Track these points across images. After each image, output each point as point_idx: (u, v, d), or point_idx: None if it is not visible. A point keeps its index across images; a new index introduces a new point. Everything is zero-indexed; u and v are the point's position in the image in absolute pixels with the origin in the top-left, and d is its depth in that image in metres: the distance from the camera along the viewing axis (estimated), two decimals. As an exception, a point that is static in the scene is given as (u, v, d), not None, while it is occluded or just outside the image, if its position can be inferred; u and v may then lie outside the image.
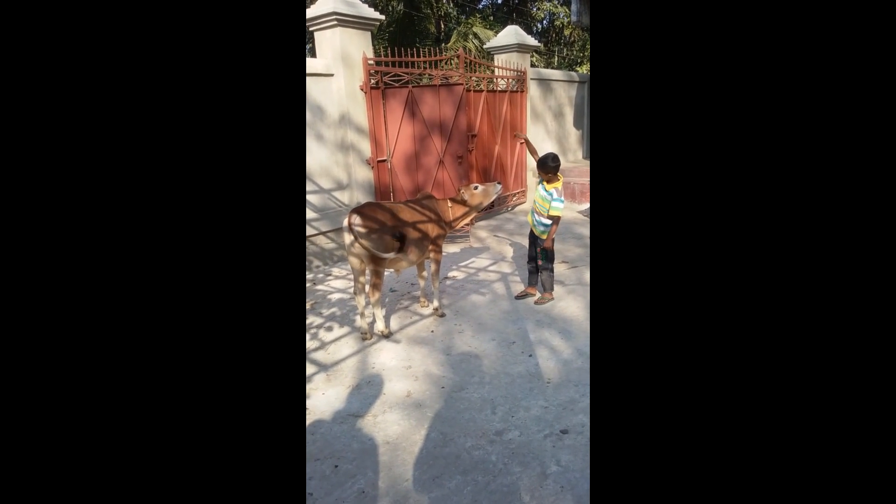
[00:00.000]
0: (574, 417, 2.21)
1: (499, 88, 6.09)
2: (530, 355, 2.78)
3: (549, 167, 3.28)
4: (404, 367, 2.72)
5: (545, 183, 3.36)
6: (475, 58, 6.21)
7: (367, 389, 2.51)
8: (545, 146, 7.61)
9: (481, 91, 5.68)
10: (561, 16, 14.34)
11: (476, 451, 2.02)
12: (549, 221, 3.34)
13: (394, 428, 2.19)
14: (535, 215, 3.45)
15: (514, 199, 6.76)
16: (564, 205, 3.37)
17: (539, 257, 3.48)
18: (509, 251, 4.84)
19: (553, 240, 3.38)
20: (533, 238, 3.53)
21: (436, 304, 3.36)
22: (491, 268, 4.35)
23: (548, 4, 14.64)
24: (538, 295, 3.56)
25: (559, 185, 3.30)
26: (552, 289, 3.55)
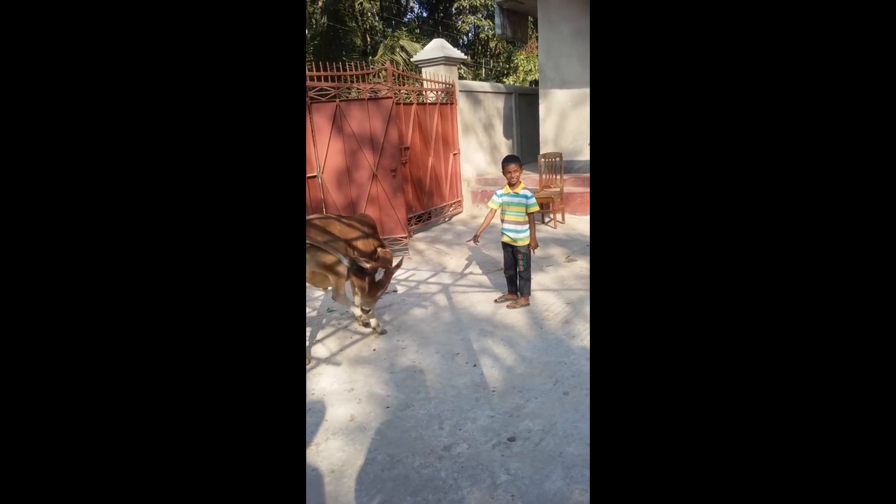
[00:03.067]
0: (520, 424, 2.23)
1: (428, 101, 6.15)
2: (475, 365, 2.79)
3: (512, 167, 3.38)
4: (346, 389, 2.64)
5: (509, 188, 3.43)
6: (403, 71, 6.24)
7: (308, 417, 2.41)
8: (477, 157, 7.77)
9: (411, 104, 5.71)
10: (486, 28, 14.80)
11: (425, 469, 1.98)
12: (525, 226, 3.40)
13: (338, 455, 2.11)
14: (508, 225, 3.48)
15: (451, 209, 6.83)
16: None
17: (521, 263, 3.51)
18: (449, 262, 4.86)
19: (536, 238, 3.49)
20: (507, 248, 3.55)
21: (374, 322, 3.29)
22: (431, 280, 4.34)
23: (472, 18, 15.06)
24: (515, 299, 3.62)
25: (523, 184, 3.44)
26: (529, 293, 3.60)
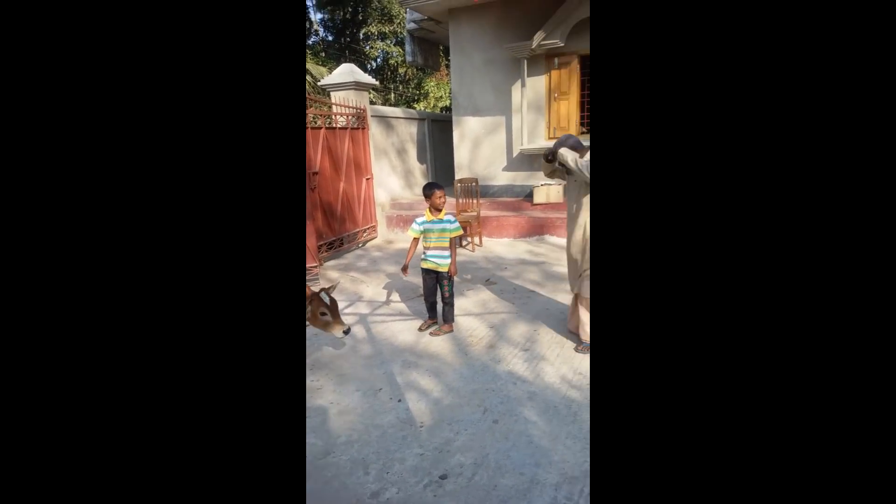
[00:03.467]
0: (451, 459, 2.13)
1: (338, 125, 5.99)
2: (399, 400, 2.64)
3: (439, 193, 3.36)
4: (258, 440, 2.36)
5: (431, 214, 3.38)
6: (310, 94, 6.04)
7: (212, 479, 2.10)
8: (391, 182, 7.70)
9: (319, 128, 5.52)
10: (395, 55, 14.98)
11: (351, 525, 1.80)
12: (449, 252, 3.35)
13: (249, 521, 1.84)
14: (432, 251, 3.40)
15: (365, 234, 6.65)
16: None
17: (445, 290, 3.43)
18: (366, 290, 4.68)
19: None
20: (431, 274, 3.46)
21: None
22: (348, 310, 4.13)
23: (381, 44, 15.19)
24: (437, 325, 3.54)
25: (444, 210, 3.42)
26: (453, 319, 3.54)
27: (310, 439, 2.34)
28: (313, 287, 4.68)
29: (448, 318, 3.52)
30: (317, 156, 5.36)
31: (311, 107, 5.59)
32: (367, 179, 6.66)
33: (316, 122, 5.55)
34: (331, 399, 2.70)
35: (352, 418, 2.50)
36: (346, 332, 2.77)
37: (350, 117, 6.23)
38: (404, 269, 3.52)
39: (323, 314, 2.73)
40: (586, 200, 2.96)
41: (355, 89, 6.55)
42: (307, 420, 2.51)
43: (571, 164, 2.90)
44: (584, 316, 3.09)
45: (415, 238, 3.49)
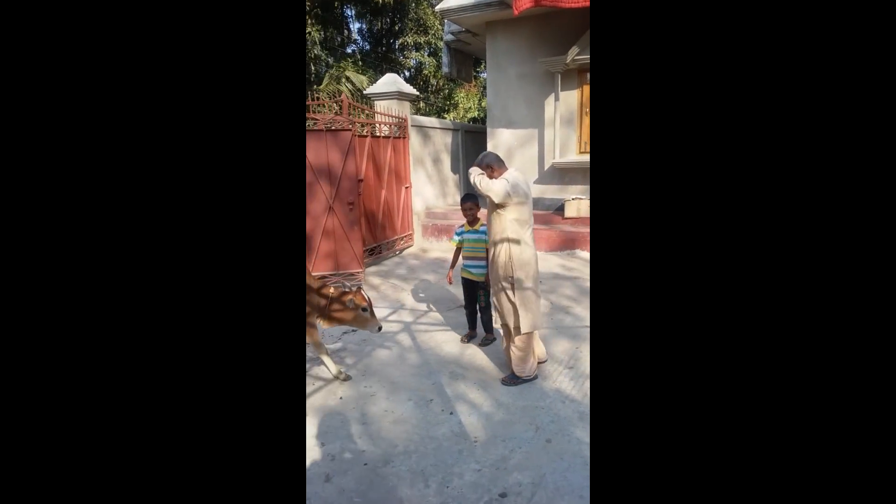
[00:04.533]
0: (509, 477, 2.15)
1: (382, 134, 6.11)
2: (451, 413, 2.68)
3: (468, 205, 3.44)
4: (317, 444, 2.42)
5: (468, 226, 3.47)
6: (356, 102, 6.18)
7: (277, 480, 2.16)
8: (426, 190, 7.79)
9: (365, 137, 5.64)
10: (427, 65, 15.17)
11: (417, 536, 1.83)
12: (484, 262, 3.40)
13: (317, 525, 1.90)
14: (469, 261, 3.48)
15: (402, 242, 6.74)
16: None
17: (482, 300, 3.49)
18: (407, 298, 4.74)
19: None
20: (468, 284, 3.53)
21: (333, 369, 3.05)
22: (391, 318, 4.20)
23: (416, 54, 15.40)
24: (478, 337, 3.63)
25: (482, 221, 3.47)
26: (493, 329, 3.61)
27: (369, 446, 2.39)
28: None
29: (487, 327, 3.59)
30: (362, 163, 5.47)
31: (352, 114, 5.72)
32: (406, 188, 6.76)
33: (362, 131, 5.67)
34: (385, 407, 2.75)
35: (407, 428, 2.54)
36: (379, 328, 2.98)
37: (392, 126, 6.35)
38: (449, 278, 3.64)
39: (364, 310, 2.87)
40: (498, 221, 2.82)
41: (398, 99, 6.67)
42: (365, 426, 2.57)
43: (474, 181, 2.80)
44: (514, 348, 2.93)
45: (456, 247, 3.61)
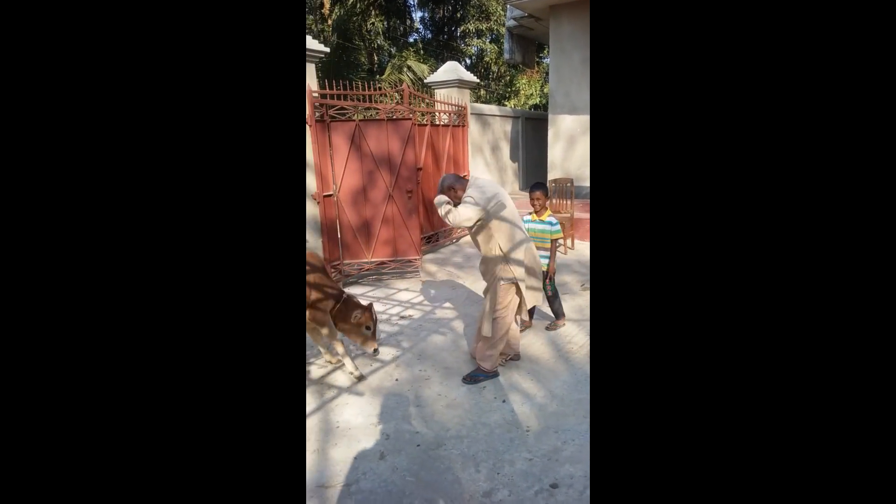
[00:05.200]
0: (561, 469, 2.13)
1: (441, 123, 6.13)
2: (504, 401, 2.68)
3: (537, 194, 3.42)
4: (372, 423, 2.51)
5: (534, 216, 3.47)
6: (416, 91, 6.24)
7: (335, 453, 2.28)
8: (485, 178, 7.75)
9: (425, 125, 5.69)
10: (489, 52, 14.98)
11: (466, 518, 1.86)
12: (548, 252, 3.41)
13: (372, 498, 1.98)
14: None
15: (459, 231, 6.76)
16: None
17: (548, 288, 3.50)
18: (463, 286, 4.77)
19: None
20: None
21: (349, 367, 3.01)
22: (446, 304, 4.24)
23: (477, 41, 15.26)
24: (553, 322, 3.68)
25: (549, 211, 3.46)
26: (563, 314, 3.65)
27: (422, 428, 2.45)
28: (414, 279, 4.86)
29: (558, 312, 3.62)
30: (421, 152, 5.53)
31: (412, 104, 5.77)
32: (464, 176, 6.76)
33: (422, 120, 5.72)
34: (438, 391, 2.80)
35: (460, 413, 2.58)
36: (375, 352, 2.91)
37: (451, 115, 6.35)
38: None
39: (367, 328, 2.82)
40: (485, 242, 2.75)
41: (458, 87, 6.66)
42: (419, 408, 2.63)
43: (442, 213, 2.68)
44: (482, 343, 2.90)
45: None
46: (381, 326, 3.83)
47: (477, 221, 2.68)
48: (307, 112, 4.45)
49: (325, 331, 2.93)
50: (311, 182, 4.61)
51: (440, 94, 6.36)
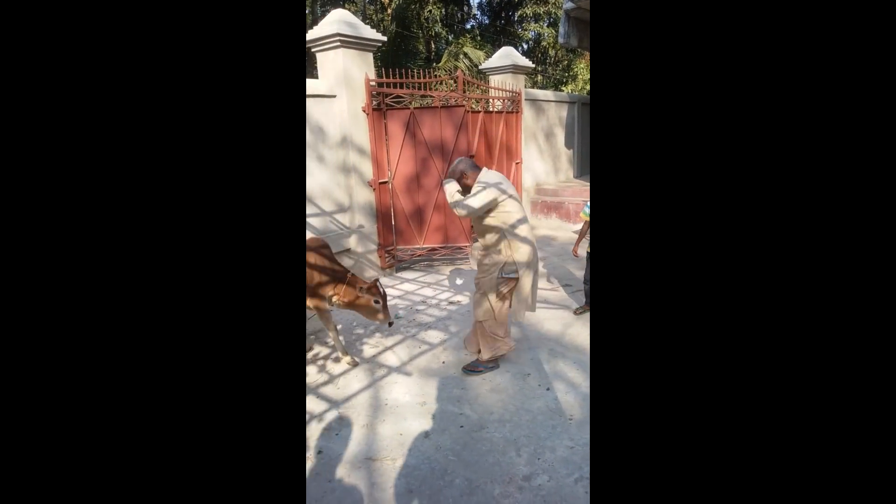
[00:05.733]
0: (603, 459, 2.13)
1: (495, 109, 6.09)
2: (548, 389, 2.70)
3: None
4: (419, 403, 2.61)
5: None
6: (471, 78, 6.22)
7: (383, 429, 2.40)
8: (537, 166, 7.64)
9: (478, 112, 5.68)
10: (546, 36, 14.59)
11: (505, 499, 1.92)
12: None
13: (415, 474, 2.08)
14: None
15: (510, 219, 6.73)
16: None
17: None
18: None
19: None
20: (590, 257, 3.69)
21: (341, 355, 3.10)
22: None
23: (534, 25, 14.89)
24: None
25: None
26: None
27: (466, 410, 2.52)
28: (462, 266, 4.92)
29: None
30: (474, 139, 5.54)
31: (467, 90, 5.76)
32: (517, 164, 6.70)
33: (476, 106, 5.71)
34: (483, 376, 2.86)
35: (503, 398, 2.62)
36: (390, 324, 2.91)
37: (505, 101, 6.29)
38: (574, 250, 3.74)
39: (376, 302, 2.85)
40: (478, 224, 2.69)
41: (512, 72, 6.57)
42: (464, 391, 2.71)
43: (450, 202, 2.61)
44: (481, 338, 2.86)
45: (585, 221, 3.66)
46: (431, 311, 3.93)
47: (489, 205, 2.60)
48: (365, 101, 4.58)
49: (322, 314, 3.02)
50: (368, 169, 4.76)
51: (495, 80, 6.31)
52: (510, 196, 2.66)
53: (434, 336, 3.43)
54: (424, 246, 5.16)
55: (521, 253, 2.70)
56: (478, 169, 2.71)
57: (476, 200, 2.55)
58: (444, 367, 3.00)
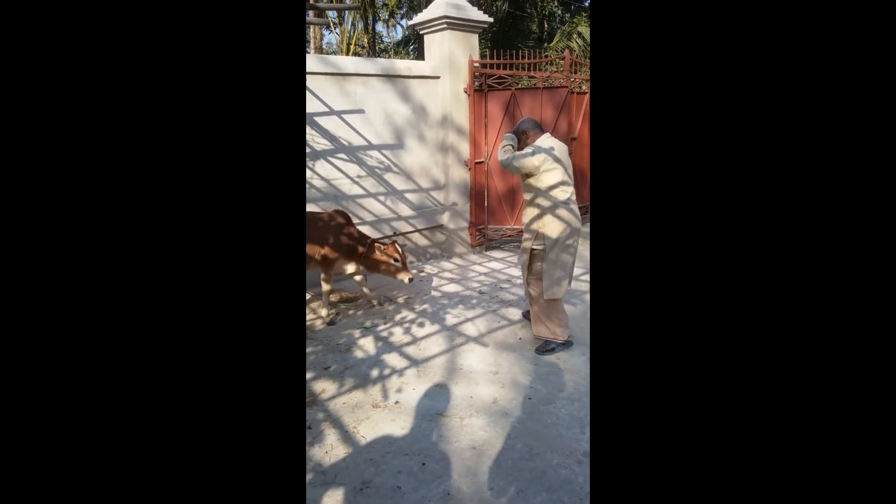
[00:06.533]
0: (671, 450, 2.07)
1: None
2: (624, 376, 2.65)
3: None
4: (491, 371, 2.73)
5: None
6: (579, 58, 6.01)
7: (455, 390, 2.56)
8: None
9: (584, 93, 5.49)
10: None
11: (562, 469, 1.97)
12: None
13: (480, 433, 2.21)
14: None
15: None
16: None
17: None
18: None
19: None
20: None
21: (323, 311, 3.53)
22: (583, 277, 4.21)
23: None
24: None
25: None
26: None
27: (536, 385, 2.59)
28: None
29: None
30: (578, 121, 5.40)
31: (578, 72, 5.59)
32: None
33: (582, 88, 5.54)
34: (558, 355, 2.88)
35: (576, 378, 2.64)
36: (411, 280, 3.45)
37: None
38: None
39: (395, 261, 3.34)
40: (526, 187, 2.78)
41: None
42: (536, 367, 2.77)
43: (501, 159, 2.65)
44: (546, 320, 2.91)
45: None
46: (515, 290, 3.99)
47: (532, 172, 2.69)
48: (467, 82, 4.69)
49: (324, 277, 3.48)
50: (465, 149, 4.90)
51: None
52: (557, 168, 2.67)
53: (514, 314, 3.50)
54: (514, 227, 5.20)
55: (552, 228, 2.72)
56: (540, 132, 2.81)
57: (516, 157, 2.71)
58: (521, 343, 3.07)
